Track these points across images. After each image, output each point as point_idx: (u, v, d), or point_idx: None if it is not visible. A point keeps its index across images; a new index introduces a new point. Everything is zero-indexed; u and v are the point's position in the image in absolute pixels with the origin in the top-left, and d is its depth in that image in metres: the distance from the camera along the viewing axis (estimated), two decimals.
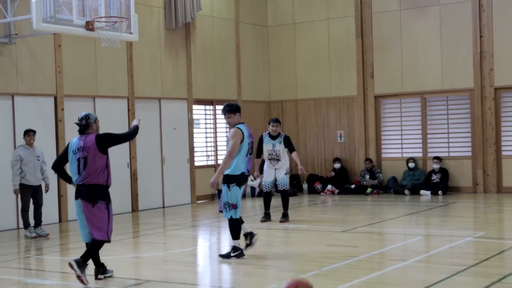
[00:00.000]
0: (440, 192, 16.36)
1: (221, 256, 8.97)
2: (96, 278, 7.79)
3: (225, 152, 9.17)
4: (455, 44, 16.80)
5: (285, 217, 12.39)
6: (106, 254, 9.66)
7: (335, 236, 10.89)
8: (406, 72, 17.44)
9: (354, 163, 18.13)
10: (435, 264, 8.44)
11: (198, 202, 16.77)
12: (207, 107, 17.65)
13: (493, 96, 16.38)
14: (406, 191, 16.78)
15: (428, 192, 16.46)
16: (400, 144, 17.84)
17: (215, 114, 17.75)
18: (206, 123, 17.69)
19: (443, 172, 16.68)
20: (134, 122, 8.27)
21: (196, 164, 16.97)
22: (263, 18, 19.22)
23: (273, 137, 12.34)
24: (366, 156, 17.88)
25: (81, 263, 7.52)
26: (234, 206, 8.85)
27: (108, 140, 7.80)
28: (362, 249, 9.53)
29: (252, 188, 17.78)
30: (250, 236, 9.10)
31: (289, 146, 12.33)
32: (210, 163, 17.64)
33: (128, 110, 15.16)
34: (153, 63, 15.88)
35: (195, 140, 16.97)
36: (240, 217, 9.04)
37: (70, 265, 7.48)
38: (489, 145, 16.43)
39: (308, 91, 18.81)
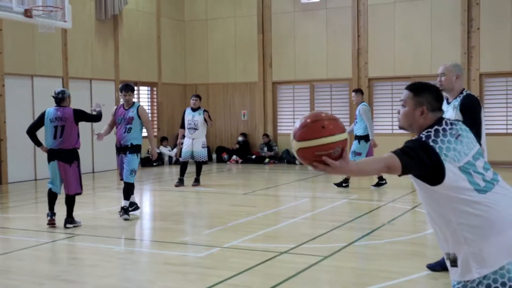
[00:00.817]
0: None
1: (124, 213, 8.63)
2: (65, 226, 7.92)
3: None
4: (338, 41, 17.06)
5: (197, 181, 12.33)
6: (40, 212, 9.33)
7: (238, 198, 10.92)
8: (298, 63, 17.59)
9: (255, 137, 18.21)
10: (318, 221, 8.60)
11: None
12: None
13: (367, 85, 16.77)
14: (297, 162, 16.99)
15: None
16: (292, 123, 18.02)
17: (138, 94, 17.39)
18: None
19: None
20: (97, 108, 8.43)
21: None
22: (180, 13, 18.88)
23: (193, 110, 12.23)
24: (264, 132, 17.98)
25: (68, 218, 7.97)
26: (135, 172, 8.78)
27: (82, 116, 8.16)
28: (260, 209, 9.60)
29: (170, 157, 17.57)
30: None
31: (208, 116, 12.30)
32: None
33: (63, 87, 14.59)
34: (85, 48, 15.34)
35: None
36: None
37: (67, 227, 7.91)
38: None
39: (217, 77, 18.67)
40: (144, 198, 11.69)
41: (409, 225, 8.28)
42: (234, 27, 18.39)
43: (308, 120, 2.92)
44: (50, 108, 8.12)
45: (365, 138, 11.53)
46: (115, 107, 9.17)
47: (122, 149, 8.74)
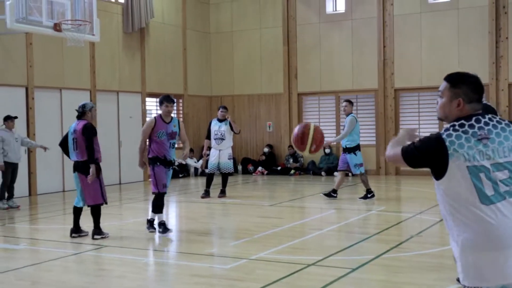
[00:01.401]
0: (350, 174, 16.55)
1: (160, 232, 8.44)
2: (93, 238, 8.03)
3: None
4: (363, 52, 17.00)
5: (223, 193, 12.34)
6: (68, 224, 9.42)
7: (264, 209, 10.90)
8: (324, 74, 17.56)
9: (280, 149, 18.21)
10: (345, 233, 8.54)
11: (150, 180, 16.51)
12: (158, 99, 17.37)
13: (393, 96, 16.67)
14: (323, 173, 16.94)
15: None
16: None
17: None
18: (157, 113, 17.40)
19: None
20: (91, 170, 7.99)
21: None
22: (206, 26, 19.02)
23: (220, 121, 12.28)
24: (290, 143, 17.95)
25: (95, 230, 8.09)
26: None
27: (86, 135, 8.01)
28: (286, 220, 9.57)
29: (196, 169, 17.64)
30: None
31: (231, 126, 12.31)
32: None
33: (91, 100, 14.80)
34: (112, 61, 15.53)
35: None
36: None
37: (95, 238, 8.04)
38: (389, 135, 16.71)
39: (243, 88, 18.74)
40: (170, 209, 11.73)
41: (437, 237, 8.17)
42: (259, 38, 18.46)
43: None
44: (74, 122, 8.34)
45: (358, 148, 11.47)
46: (151, 120, 8.80)
47: (168, 163, 8.59)
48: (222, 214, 10.69)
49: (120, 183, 15.54)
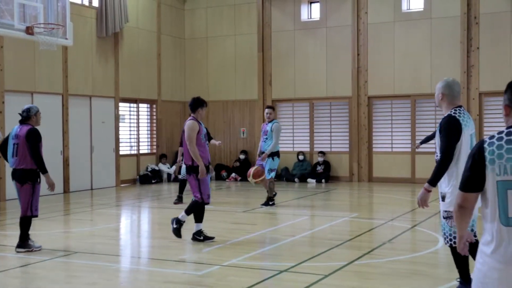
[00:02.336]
0: (323, 180, 16.65)
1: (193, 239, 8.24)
2: (16, 251, 7.54)
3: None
4: (337, 60, 17.13)
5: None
6: (37, 229, 9.29)
7: (237, 215, 10.88)
8: (298, 81, 17.64)
9: (254, 155, 18.17)
10: (318, 239, 8.56)
11: (122, 185, 16.40)
12: (131, 104, 17.29)
13: (367, 103, 16.81)
14: (296, 179, 16.99)
15: (314, 180, 16.72)
16: (292, 140, 18.04)
17: (138, 111, 17.43)
18: (130, 119, 17.33)
19: (326, 164, 17.00)
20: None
21: (121, 153, 16.59)
22: (181, 31, 18.98)
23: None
24: None
25: (19, 242, 7.55)
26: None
27: (30, 141, 7.47)
28: (259, 227, 9.57)
29: (168, 175, 17.55)
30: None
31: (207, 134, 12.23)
32: (133, 152, 17.30)
33: (63, 105, 14.65)
34: (85, 65, 15.39)
35: (120, 132, 16.59)
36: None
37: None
38: (362, 143, 16.86)
39: (217, 94, 18.71)
40: (143, 215, 11.65)
41: (409, 243, 8.25)
42: (234, 45, 18.47)
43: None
44: (16, 125, 7.71)
45: (277, 154, 11.64)
46: (193, 123, 8.52)
47: (208, 169, 8.36)
48: (194, 220, 10.61)
49: (92, 189, 15.38)
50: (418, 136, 16.34)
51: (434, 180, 5.02)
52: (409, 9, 16.59)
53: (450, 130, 5.03)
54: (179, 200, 12.23)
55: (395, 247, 7.73)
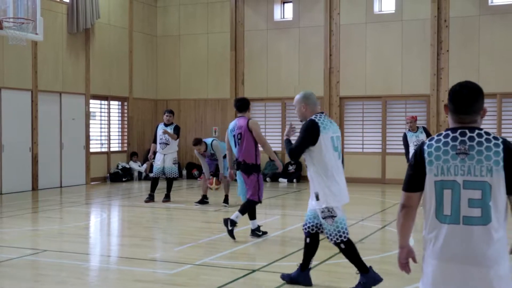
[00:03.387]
0: (294, 180, 16.70)
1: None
2: None
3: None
4: (310, 60, 17.20)
5: (167, 197, 12.24)
6: (5, 227, 9.13)
7: (209, 214, 10.85)
8: (270, 81, 17.67)
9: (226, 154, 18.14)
10: (290, 239, 8.58)
11: (92, 183, 16.22)
12: (102, 102, 17.10)
13: (338, 104, 16.91)
14: (268, 179, 17.00)
15: (285, 180, 16.76)
16: None
17: (109, 108, 17.25)
18: (101, 116, 17.14)
19: (298, 164, 17.05)
20: None
21: (91, 150, 16.40)
22: (153, 29, 18.84)
23: (166, 125, 12.13)
24: None
25: None
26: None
27: None
28: None
29: (139, 173, 17.42)
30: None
31: (176, 131, 12.14)
32: (103, 150, 17.13)
33: (32, 101, 14.41)
34: (56, 61, 15.17)
35: (91, 130, 16.40)
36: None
37: None
38: None
39: (189, 92, 18.63)
40: (113, 213, 11.53)
41: (379, 243, 8.32)
42: (206, 43, 18.41)
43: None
44: None
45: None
46: (256, 122, 8.67)
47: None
48: (166, 219, 10.58)
49: (61, 186, 15.16)
50: (389, 137, 16.51)
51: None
52: (380, 11, 16.74)
53: (307, 133, 5.46)
54: (151, 198, 12.14)
55: (365, 247, 7.78)
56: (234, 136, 8.51)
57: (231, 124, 8.60)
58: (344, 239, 5.62)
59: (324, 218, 5.56)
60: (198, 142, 11.74)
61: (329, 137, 5.48)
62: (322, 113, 5.64)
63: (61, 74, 15.34)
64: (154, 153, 12.30)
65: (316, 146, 5.44)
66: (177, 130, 12.17)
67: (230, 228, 8.04)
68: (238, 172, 8.48)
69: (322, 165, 5.48)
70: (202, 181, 11.99)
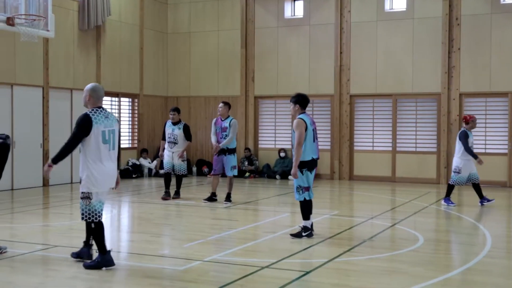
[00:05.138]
0: (277, 177, 16.64)
1: (292, 235, 8.16)
2: None
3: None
4: (320, 58, 17.18)
5: (177, 194, 12.25)
6: (16, 223, 9.20)
7: (219, 211, 10.87)
8: (281, 78, 17.66)
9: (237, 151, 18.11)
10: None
11: None
12: (113, 98, 17.17)
13: (349, 102, 16.88)
14: (277, 176, 17.01)
15: None
16: (273, 137, 18.06)
17: (119, 105, 17.32)
18: (112, 112, 17.20)
19: None
20: None
21: None
22: (163, 26, 18.88)
23: (173, 123, 12.11)
24: (245, 146, 17.99)
25: None
26: (307, 189, 8.12)
27: None
28: (240, 223, 9.58)
29: (149, 169, 17.48)
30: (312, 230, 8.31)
31: (186, 133, 12.11)
32: None
33: (43, 97, 14.50)
34: (67, 58, 15.25)
35: None
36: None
37: None
38: (344, 141, 16.94)
39: (199, 90, 18.67)
40: (123, 210, 11.59)
41: (389, 242, 8.31)
42: (217, 40, 18.43)
43: None
44: None
45: (235, 150, 11.89)
46: (302, 120, 8.19)
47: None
48: (175, 216, 10.61)
49: (71, 182, 15.23)
50: (399, 135, 16.47)
51: (56, 158, 6.43)
52: (391, 8, 16.68)
53: (81, 125, 6.28)
54: (167, 195, 12.13)
55: (375, 245, 7.78)
56: (313, 130, 8.21)
57: (307, 120, 8.18)
58: (95, 220, 6.42)
59: (82, 198, 6.39)
60: (177, 109, 12.07)
61: (100, 131, 6.30)
62: (100, 107, 6.43)
63: (72, 70, 15.42)
64: (164, 149, 12.33)
65: (88, 137, 6.28)
66: (186, 130, 12.08)
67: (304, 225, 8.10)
68: (307, 172, 8.12)
69: (91, 154, 6.32)
70: (213, 179, 11.99)
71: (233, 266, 6.57)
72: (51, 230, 8.79)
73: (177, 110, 12.19)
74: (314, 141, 8.19)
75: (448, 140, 15.87)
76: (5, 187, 13.44)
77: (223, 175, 11.94)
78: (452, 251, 7.90)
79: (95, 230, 6.43)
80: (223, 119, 11.75)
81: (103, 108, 6.49)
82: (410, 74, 16.25)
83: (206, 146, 18.57)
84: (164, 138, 12.27)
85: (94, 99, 6.42)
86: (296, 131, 8.06)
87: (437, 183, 15.82)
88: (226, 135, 11.57)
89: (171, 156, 12.13)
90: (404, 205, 11.90)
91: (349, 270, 6.52)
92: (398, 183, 16.02)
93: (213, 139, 11.87)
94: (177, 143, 12.08)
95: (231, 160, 11.64)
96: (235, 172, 11.75)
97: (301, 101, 8.37)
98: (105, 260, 6.38)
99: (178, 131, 12.04)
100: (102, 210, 6.51)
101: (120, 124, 6.70)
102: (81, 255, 6.72)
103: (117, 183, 6.76)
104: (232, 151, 11.70)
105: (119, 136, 6.67)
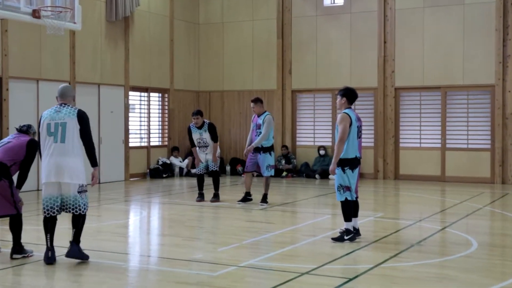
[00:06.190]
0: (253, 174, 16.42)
1: (333, 239, 8.06)
2: (11, 257, 7.15)
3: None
4: (362, 48, 17.02)
5: (216, 197, 12.06)
6: (41, 225, 9.31)
7: (254, 213, 10.86)
8: (320, 70, 17.56)
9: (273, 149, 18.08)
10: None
11: (131, 179, 16.47)
12: (142, 93, 17.33)
13: (394, 95, 16.69)
14: (317, 175, 16.93)
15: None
16: (312, 134, 17.98)
17: (149, 101, 17.47)
18: (140, 108, 17.37)
19: None
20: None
21: (130, 145, 16.65)
22: (195, 16, 18.96)
23: (198, 127, 12.00)
24: (282, 143, 17.94)
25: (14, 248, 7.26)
26: (348, 188, 8.02)
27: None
28: (278, 226, 9.54)
29: (181, 169, 17.59)
30: (355, 233, 8.21)
31: (212, 134, 11.92)
32: (143, 144, 17.36)
33: None
34: (94, 51, 15.44)
35: (130, 123, 16.64)
36: (356, 200, 8.22)
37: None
38: (388, 137, 16.75)
39: (233, 84, 18.70)
40: (153, 211, 11.67)
41: (439, 246, 8.18)
42: (251, 31, 18.42)
43: None
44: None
45: (273, 148, 11.78)
46: (346, 115, 8.11)
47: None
48: (208, 218, 10.64)
49: (99, 182, 15.40)
50: (449, 131, 16.20)
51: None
52: None
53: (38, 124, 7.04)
54: (202, 197, 12.07)
55: (423, 250, 7.67)
56: (358, 127, 8.11)
57: (353, 115, 8.09)
58: (43, 214, 6.87)
59: (79, 192, 6.93)
60: (199, 112, 11.90)
61: (45, 124, 6.96)
62: (61, 104, 7.08)
63: (99, 64, 15.60)
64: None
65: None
66: (212, 130, 11.89)
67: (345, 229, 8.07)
68: (349, 170, 8.05)
69: (42, 147, 6.96)
70: (245, 178, 11.96)
71: (270, 272, 6.54)
72: None
73: (199, 113, 11.94)
74: (358, 138, 8.10)
75: (503, 136, 15.55)
76: (31, 187, 13.67)
77: (259, 174, 11.89)
78: (509, 256, 7.72)
79: (44, 221, 6.91)
80: (258, 116, 11.71)
81: (63, 105, 7.07)
82: (461, 64, 15.96)
83: (240, 144, 18.58)
84: (193, 145, 12.14)
85: (58, 98, 7.16)
86: (339, 126, 7.99)
87: (491, 183, 15.52)
88: (261, 132, 11.52)
89: (204, 157, 12.11)
90: (455, 206, 11.70)
91: (395, 276, 6.42)
92: (448, 182, 15.76)
93: (248, 139, 11.89)
94: (208, 145, 12.00)
95: (267, 159, 11.59)
96: (272, 172, 11.69)
97: (349, 94, 8.29)
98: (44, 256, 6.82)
99: (206, 134, 11.91)
100: (52, 206, 6.84)
101: (86, 120, 7.07)
102: (75, 255, 6.90)
103: (92, 178, 7.04)
104: (268, 149, 11.63)
105: (86, 130, 7.03)
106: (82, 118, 7.04)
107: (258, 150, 11.62)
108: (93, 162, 7.01)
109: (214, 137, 11.98)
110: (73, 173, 6.86)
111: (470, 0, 15.86)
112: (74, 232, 6.97)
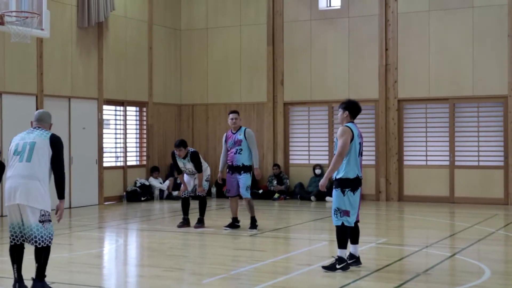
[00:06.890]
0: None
1: (325, 268, 8.07)
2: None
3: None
4: (362, 56, 17.15)
5: (200, 222, 12.06)
6: (6, 255, 9.27)
7: (243, 240, 10.86)
8: (315, 81, 17.66)
9: (262, 168, 18.14)
10: (339, 269, 8.51)
11: (106, 203, 16.43)
12: (118, 107, 17.34)
13: (396, 107, 16.81)
14: (312, 197, 16.96)
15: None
16: (307, 151, 18.04)
17: (125, 115, 17.47)
18: (116, 124, 17.37)
19: None
20: None
21: (105, 165, 16.62)
22: (176, 21, 19.06)
23: (182, 157, 12.01)
24: (274, 162, 17.99)
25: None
26: (347, 213, 7.99)
27: None
28: (269, 254, 9.55)
29: (161, 191, 17.57)
30: (356, 261, 8.26)
31: (195, 163, 11.87)
32: (119, 164, 17.34)
33: (37, 107, 14.70)
34: (64, 61, 15.47)
35: (104, 140, 16.64)
36: (356, 225, 8.26)
37: None
38: (391, 154, 16.84)
39: (218, 96, 18.75)
40: (130, 239, 11.65)
41: (448, 275, 8.22)
42: (239, 37, 18.53)
43: None
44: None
45: (251, 168, 11.73)
46: (347, 128, 8.13)
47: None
48: (192, 245, 10.63)
49: (70, 207, 15.37)
50: (457, 147, 16.31)
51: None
52: None
53: None
54: (185, 222, 12.04)
55: (431, 279, 7.70)
56: (360, 144, 8.14)
57: (355, 130, 8.11)
58: (10, 242, 6.85)
59: (41, 222, 6.78)
60: (182, 143, 11.82)
61: (14, 144, 7.01)
62: (35, 128, 7.16)
63: (70, 76, 15.62)
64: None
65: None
66: (195, 160, 11.85)
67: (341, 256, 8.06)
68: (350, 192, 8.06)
69: (7, 168, 7.02)
70: (230, 203, 11.95)
71: None
72: (48, 264, 8.84)
73: (182, 144, 11.87)
74: (358, 156, 8.14)
75: None
76: None
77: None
78: None
79: (11, 250, 6.90)
80: (234, 132, 11.70)
81: (37, 128, 7.18)
82: (470, 73, 16.11)
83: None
84: (180, 172, 12.19)
85: (34, 122, 7.29)
86: (339, 140, 8.01)
87: (505, 204, 15.61)
88: (241, 150, 11.52)
89: (192, 181, 12.14)
90: (466, 230, 11.75)
91: None
92: (457, 204, 15.84)
93: (221, 162, 11.91)
94: (196, 172, 12.05)
95: (248, 179, 11.61)
96: (248, 194, 11.68)
97: (352, 108, 8.30)
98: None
99: (189, 164, 11.94)
100: (16, 232, 6.80)
101: (59, 146, 7.08)
102: None
103: (57, 212, 6.80)
104: (249, 168, 11.66)
105: (58, 157, 6.96)
106: (55, 143, 6.98)
107: (238, 170, 11.62)
108: (61, 193, 6.82)
109: (198, 168, 11.95)
110: (32, 195, 6.64)
111: (480, 3, 16.05)
112: (37, 267, 6.78)
